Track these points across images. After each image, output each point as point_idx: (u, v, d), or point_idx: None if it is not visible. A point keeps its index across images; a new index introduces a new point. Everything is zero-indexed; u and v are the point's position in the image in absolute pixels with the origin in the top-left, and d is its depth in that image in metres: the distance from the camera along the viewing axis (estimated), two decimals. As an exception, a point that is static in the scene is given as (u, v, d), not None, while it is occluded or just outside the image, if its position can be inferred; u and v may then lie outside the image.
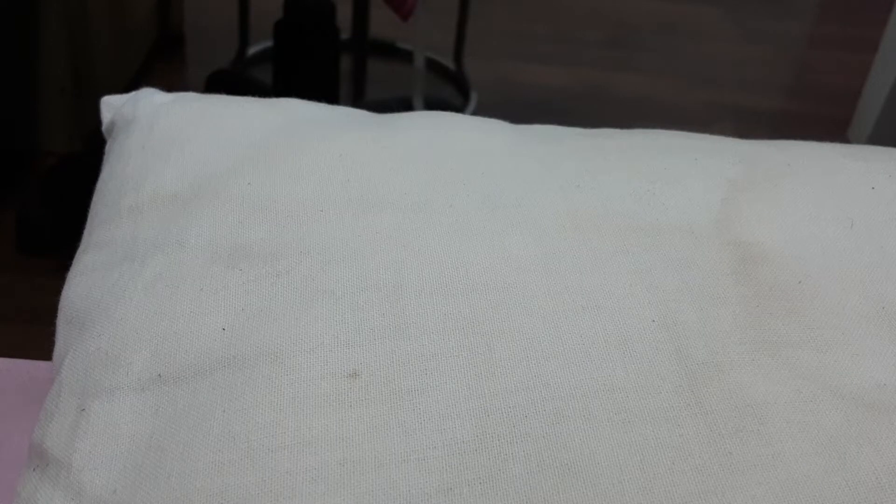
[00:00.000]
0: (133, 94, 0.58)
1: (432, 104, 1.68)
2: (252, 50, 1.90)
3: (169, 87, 0.62)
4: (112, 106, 0.58)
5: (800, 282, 0.46)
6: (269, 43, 1.90)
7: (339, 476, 0.37)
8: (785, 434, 0.40)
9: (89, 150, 1.52)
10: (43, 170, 1.53)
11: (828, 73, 2.10)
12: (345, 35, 1.74)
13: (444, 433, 0.39)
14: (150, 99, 0.56)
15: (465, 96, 1.86)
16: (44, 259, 1.38)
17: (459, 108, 1.79)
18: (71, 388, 0.42)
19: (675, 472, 0.38)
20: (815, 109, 1.96)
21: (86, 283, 0.47)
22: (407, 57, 1.95)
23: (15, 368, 0.60)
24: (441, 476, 0.38)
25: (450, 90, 1.90)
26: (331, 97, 1.59)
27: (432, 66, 1.93)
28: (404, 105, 1.65)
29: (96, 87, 1.57)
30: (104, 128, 0.58)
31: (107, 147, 0.56)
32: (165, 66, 1.87)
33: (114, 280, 0.46)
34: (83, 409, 0.41)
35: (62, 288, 0.48)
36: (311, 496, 0.37)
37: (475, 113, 1.79)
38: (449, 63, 1.93)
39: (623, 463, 0.38)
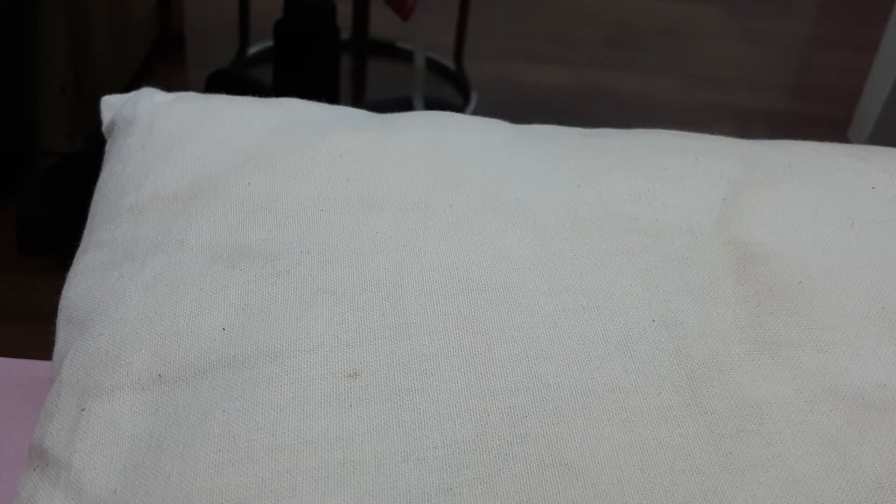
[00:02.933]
0: (133, 94, 0.58)
1: (432, 104, 1.68)
2: (252, 50, 1.90)
3: (169, 87, 0.62)
4: (112, 106, 0.58)
5: (800, 282, 0.45)
6: (269, 43, 1.90)
7: (339, 476, 0.37)
8: (785, 434, 0.40)
9: (89, 150, 1.52)
10: (43, 170, 1.53)
11: (828, 73, 2.10)
12: (345, 35, 1.74)
13: (444, 433, 0.39)
14: (150, 99, 0.56)
15: (465, 96, 1.86)
16: (44, 259, 1.38)
17: (459, 108, 1.79)
18: (71, 388, 0.42)
19: (675, 472, 0.38)
20: (815, 109, 1.96)
21: (86, 283, 0.47)
22: (407, 57, 1.95)
23: (15, 368, 0.60)
24: (441, 476, 0.38)
25: (450, 90, 1.90)
26: (331, 97, 1.59)
27: (432, 66, 1.93)
28: (404, 105, 1.65)
29: (96, 87, 1.57)
30: (104, 128, 0.58)
31: (107, 147, 0.56)
32: (165, 66, 1.87)
33: (114, 280, 0.46)
34: (83, 409, 0.41)
35: (62, 288, 0.48)
36: (312, 496, 0.37)
37: (475, 113, 1.79)
38: (449, 63, 1.93)
39: (623, 463, 0.38)
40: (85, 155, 1.49)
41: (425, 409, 0.39)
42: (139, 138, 0.53)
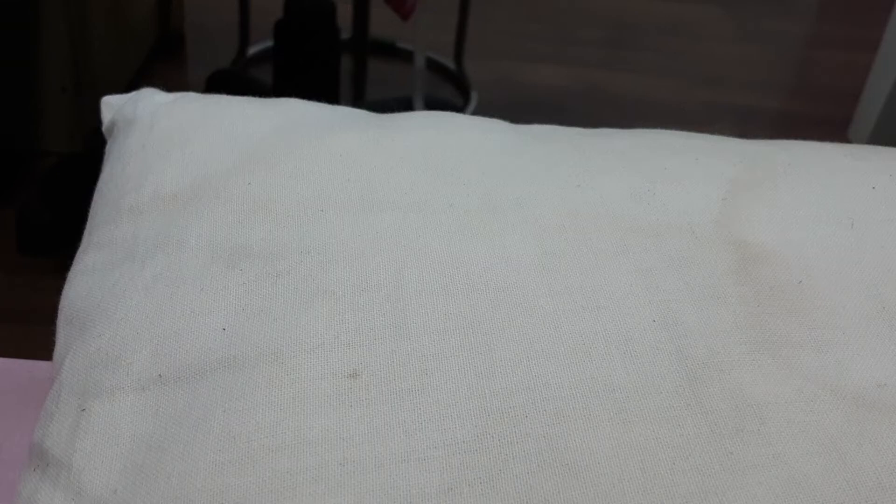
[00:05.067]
0: (133, 94, 0.58)
1: (432, 104, 1.68)
2: (252, 50, 1.90)
3: (169, 87, 0.62)
4: (112, 106, 0.58)
5: (800, 282, 0.45)
6: (269, 43, 1.90)
7: (339, 476, 0.37)
8: (785, 434, 0.40)
9: (89, 150, 1.52)
10: (43, 170, 1.53)
11: (828, 73, 2.10)
12: (345, 35, 1.74)
13: (444, 433, 0.39)
14: (150, 99, 0.56)
15: (465, 96, 1.86)
16: (44, 259, 1.38)
17: (459, 108, 1.79)
18: (71, 388, 0.42)
19: (676, 472, 0.38)
20: (815, 109, 1.96)
21: (86, 283, 0.47)
22: (407, 57, 1.95)
23: (15, 368, 0.60)
24: (441, 476, 0.38)
25: (450, 90, 1.90)
26: (331, 97, 1.59)
27: (432, 66, 1.93)
28: (404, 105, 1.65)
29: (96, 87, 1.57)
30: (104, 128, 0.58)
31: (107, 147, 0.56)
32: (165, 66, 1.87)
33: (114, 280, 0.46)
34: (83, 409, 0.41)
35: (62, 288, 0.48)
36: (312, 496, 0.37)
37: (475, 113, 1.79)
38: (449, 63, 1.93)
39: (623, 463, 0.38)
40: (85, 155, 1.49)
41: (425, 410, 0.39)
42: (139, 138, 0.53)
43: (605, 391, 0.40)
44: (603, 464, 0.38)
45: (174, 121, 0.53)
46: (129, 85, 1.72)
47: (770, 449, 0.39)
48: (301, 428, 0.39)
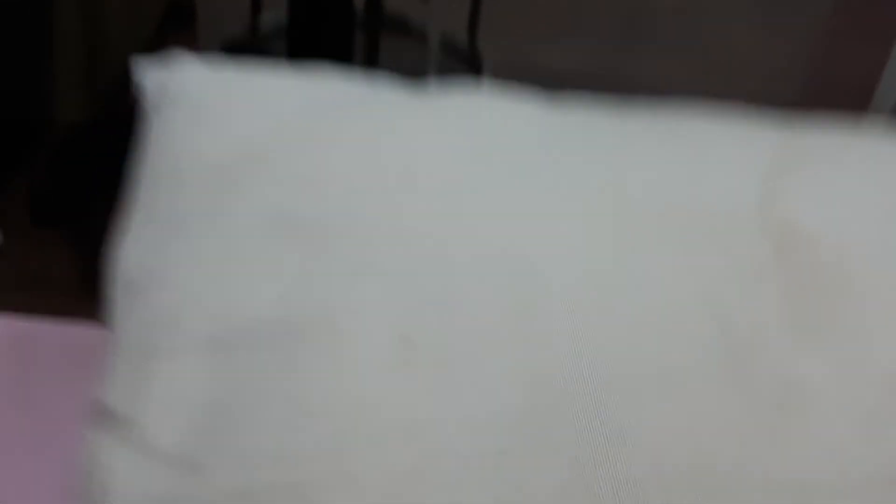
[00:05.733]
0: (174, 64, 0.58)
1: (446, 84, 1.67)
2: (265, 21, 1.89)
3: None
4: (147, 71, 0.57)
5: (840, 263, 0.46)
6: (282, 14, 1.89)
7: (398, 436, 0.39)
8: (825, 409, 0.41)
9: (101, 121, 1.51)
10: (56, 141, 1.53)
11: (844, 65, 2.10)
12: (358, 12, 1.73)
13: (496, 400, 0.40)
14: (190, 69, 0.56)
15: (479, 76, 1.85)
16: (57, 230, 1.38)
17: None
18: (132, 351, 0.43)
19: (719, 442, 0.40)
20: (830, 100, 1.96)
21: (138, 251, 0.48)
22: (420, 36, 1.94)
23: (57, 332, 0.60)
24: (496, 439, 0.39)
25: (464, 69, 1.90)
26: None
27: (446, 44, 1.92)
28: (418, 85, 1.65)
29: (110, 56, 1.56)
30: (143, 95, 0.58)
31: (149, 118, 0.56)
32: (177, 38, 1.86)
33: (167, 248, 0.46)
34: (145, 370, 0.42)
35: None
36: (373, 454, 0.38)
37: (488, 93, 1.78)
38: (463, 42, 1.92)
39: (668, 432, 0.40)
40: (97, 127, 1.49)
41: (478, 377, 0.40)
42: (185, 110, 0.53)
43: (652, 363, 0.42)
44: (649, 432, 0.40)
45: (220, 93, 0.53)
46: (143, 53, 1.71)
47: (809, 423, 0.40)
48: (359, 390, 0.40)
